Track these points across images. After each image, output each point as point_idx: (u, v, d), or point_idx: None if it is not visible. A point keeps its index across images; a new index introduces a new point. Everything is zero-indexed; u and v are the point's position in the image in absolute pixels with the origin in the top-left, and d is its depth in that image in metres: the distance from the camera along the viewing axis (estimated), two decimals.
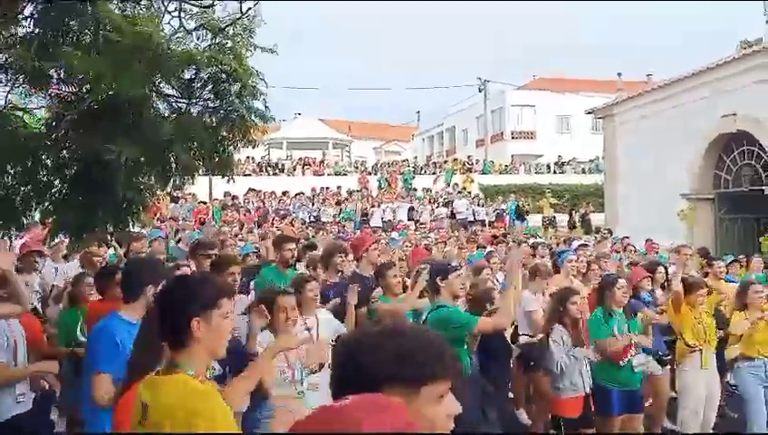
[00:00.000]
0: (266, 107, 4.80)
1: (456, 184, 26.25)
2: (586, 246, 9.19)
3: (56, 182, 4.52)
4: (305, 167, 28.32)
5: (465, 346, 4.29)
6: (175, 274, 4.08)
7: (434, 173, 29.01)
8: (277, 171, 27.47)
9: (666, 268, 7.22)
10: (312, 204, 22.10)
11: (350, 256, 6.19)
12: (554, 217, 21.93)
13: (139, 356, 2.55)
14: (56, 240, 6.13)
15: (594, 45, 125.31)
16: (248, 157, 25.23)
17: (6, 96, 4.53)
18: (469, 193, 24.75)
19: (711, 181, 16.08)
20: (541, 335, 5.28)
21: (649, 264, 7.45)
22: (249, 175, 24.97)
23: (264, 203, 21.98)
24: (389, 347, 1.37)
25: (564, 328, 4.90)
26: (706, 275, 7.41)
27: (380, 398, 1.18)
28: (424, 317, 4.45)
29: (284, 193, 23.08)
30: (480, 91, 36.53)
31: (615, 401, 5.05)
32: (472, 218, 21.45)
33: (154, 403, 1.95)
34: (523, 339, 6.15)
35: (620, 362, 5.05)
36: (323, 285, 5.41)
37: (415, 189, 25.57)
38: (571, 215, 22.22)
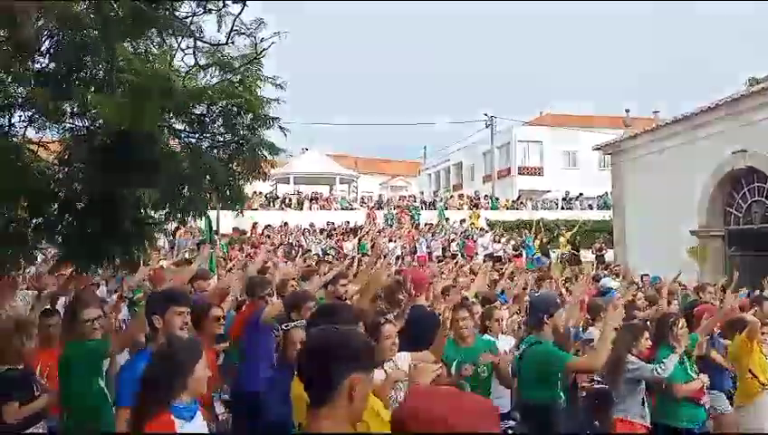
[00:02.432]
0: (282, 129, 4.77)
1: (463, 220, 26.28)
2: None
3: (67, 216, 4.52)
4: (312, 202, 28.43)
5: (558, 382, 4.45)
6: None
7: (446, 208, 29.10)
8: (284, 206, 27.57)
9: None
10: (330, 238, 22.14)
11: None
12: (575, 254, 21.57)
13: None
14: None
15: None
16: (255, 192, 25.34)
17: (24, 131, 4.56)
18: (480, 229, 24.75)
19: (721, 218, 15.97)
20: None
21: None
22: (256, 209, 25.05)
23: (269, 237, 21.99)
24: (350, 341, 2.00)
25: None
26: None
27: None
28: (520, 352, 4.65)
29: (310, 226, 23.34)
30: (487, 127, 36.80)
31: None
32: (493, 254, 21.44)
33: None
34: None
35: (699, 403, 5.04)
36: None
37: (429, 224, 25.54)
38: (577, 250, 21.95)
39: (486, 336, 5.37)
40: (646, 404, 4.93)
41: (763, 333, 5.51)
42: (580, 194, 31.80)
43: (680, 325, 5.14)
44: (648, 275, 12.45)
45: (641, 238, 17.62)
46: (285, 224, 23.65)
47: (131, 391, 3.05)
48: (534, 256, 21.53)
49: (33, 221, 4.52)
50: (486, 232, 23.96)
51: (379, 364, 3.65)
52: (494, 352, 4.93)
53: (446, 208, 28.67)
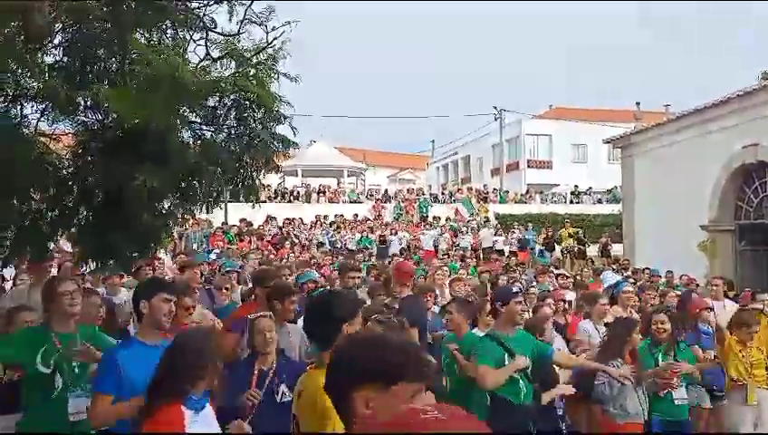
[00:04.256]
0: (293, 128, 4.80)
1: (476, 214, 26.17)
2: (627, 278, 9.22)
3: (82, 208, 4.54)
4: (320, 194, 28.42)
5: (518, 375, 4.46)
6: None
7: (453, 201, 28.92)
8: (292, 198, 27.56)
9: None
10: (338, 231, 22.12)
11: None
12: (581, 248, 21.31)
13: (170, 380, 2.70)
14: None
15: None
16: (262, 184, 25.28)
17: (36, 124, 4.57)
18: (487, 220, 24.67)
19: (732, 212, 15.85)
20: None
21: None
22: (265, 202, 25.03)
23: (281, 229, 22.04)
24: (366, 352, 1.68)
25: (621, 357, 4.95)
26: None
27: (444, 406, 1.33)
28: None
29: (321, 217, 23.36)
30: (496, 120, 36.64)
31: (653, 429, 5.08)
32: (494, 248, 21.31)
33: (306, 390, 2.54)
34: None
35: (659, 394, 5.10)
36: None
37: (437, 218, 25.46)
38: (583, 245, 21.72)
39: (476, 331, 5.40)
40: (639, 400, 4.94)
41: (750, 333, 5.59)
42: (590, 188, 31.65)
43: (653, 321, 5.35)
44: (648, 268, 12.42)
45: (651, 233, 17.53)
46: (303, 220, 23.57)
47: (110, 380, 3.25)
48: (540, 251, 21.45)
49: (49, 214, 4.54)
50: (489, 224, 23.77)
51: None
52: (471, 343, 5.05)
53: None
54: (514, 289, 5.03)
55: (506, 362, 4.44)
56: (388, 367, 1.62)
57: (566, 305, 7.26)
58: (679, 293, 8.09)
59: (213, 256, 15.18)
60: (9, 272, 7.95)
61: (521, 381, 4.44)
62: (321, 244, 19.39)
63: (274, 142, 4.72)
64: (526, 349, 4.56)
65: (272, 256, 15.62)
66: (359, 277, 6.72)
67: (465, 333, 5.27)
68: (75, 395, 3.74)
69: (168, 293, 3.52)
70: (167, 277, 8.54)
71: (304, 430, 2.49)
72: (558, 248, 21.78)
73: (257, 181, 4.99)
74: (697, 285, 10.72)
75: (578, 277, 11.02)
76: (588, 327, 6.20)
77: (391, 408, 1.55)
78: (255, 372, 3.85)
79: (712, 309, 6.92)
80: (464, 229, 23.49)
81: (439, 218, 25.23)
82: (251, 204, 5.10)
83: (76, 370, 3.78)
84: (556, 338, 5.89)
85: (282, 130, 4.87)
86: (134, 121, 3.96)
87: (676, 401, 5.14)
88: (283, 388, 3.78)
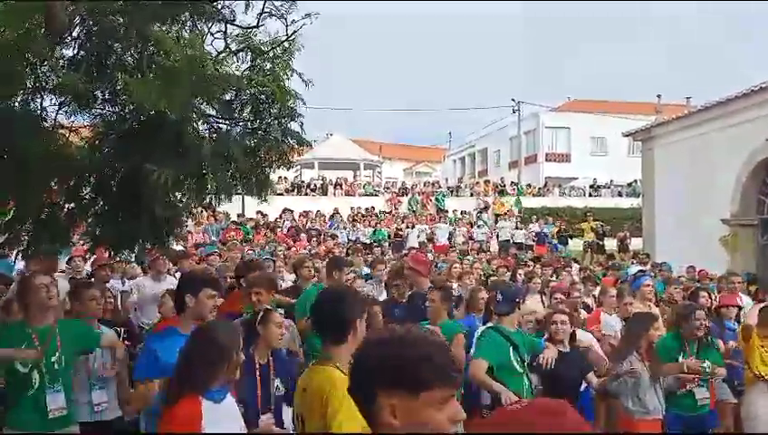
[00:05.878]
0: (302, 126, 4.81)
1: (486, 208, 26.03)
2: (644, 272, 9.11)
3: (99, 199, 4.59)
4: (336, 187, 28.42)
5: (523, 369, 4.49)
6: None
7: (471, 195, 28.73)
8: (308, 191, 27.59)
9: (710, 294, 7.15)
10: (353, 225, 22.10)
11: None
12: (599, 242, 21.04)
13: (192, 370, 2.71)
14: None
15: None
16: (280, 177, 25.37)
17: (55, 116, 4.62)
18: (506, 214, 24.53)
19: (754, 207, 15.59)
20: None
21: (694, 290, 7.34)
22: (281, 194, 25.10)
23: (295, 221, 22.10)
24: (390, 356, 1.50)
25: (637, 353, 4.91)
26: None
27: (553, 403, 1.23)
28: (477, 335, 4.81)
29: (336, 211, 23.38)
30: (514, 113, 36.35)
31: (670, 423, 5.07)
32: (512, 241, 21.22)
33: (311, 386, 2.53)
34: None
35: (678, 392, 5.08)
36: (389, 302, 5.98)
37: (446, 211, 25.36)
38: (601, 239, 21.45)
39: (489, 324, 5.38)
40: (657, 396, 4.91)
41: None
42: (611, 181, 31.29)
43: (695, 318, 5.21)
44: (665, 262, 12.25)
45: (671, 227, 17.30)
46: (320, 213, 23.55)
47: (148, 367, 3.36)
48: (555, 244, 21.30)
49: (67, 206, 4.59)
50: (507, 219, 23.63)
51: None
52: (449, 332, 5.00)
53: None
54: (520, 294, 5.15)
55: (510, 355, 4.50)
56: (415, 372, 1.47)
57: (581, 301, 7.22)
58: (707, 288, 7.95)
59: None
60: (19, 265, 8.07)
61: (524, 377, 4.49)
62: (333, 236, 19.38)
63: (288, 139, 4.72)
64: (522, 344, 4.65)
65: (291, 250, 15.64)
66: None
67: (440, 321, 5.13)
68: (54, 391, 3.72)
69: (213, 288, 3.62)
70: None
71: (309, 427, 2.45)
72: (571, 242, 21.64)
73: (270, 177, 5.00)
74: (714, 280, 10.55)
75: (591, 272, 10.95)
76: (613, 323, 6.19)
77: (419, 417, 1.44)
78: (257, 367, 3.80)
79: (741, 308, 6.83)
80: (480, 223, 23.40)
81: (457, 211, 25.15)
82: (263, 198, 5.11)
83: (56, 366, 3.74)
84: (583, 332, 5.84)
85: (295, 126, 4.89)
86: (152, 111, 3.97)
87: (698, 402, 5.13)
88: (277, 382, 3.81)
